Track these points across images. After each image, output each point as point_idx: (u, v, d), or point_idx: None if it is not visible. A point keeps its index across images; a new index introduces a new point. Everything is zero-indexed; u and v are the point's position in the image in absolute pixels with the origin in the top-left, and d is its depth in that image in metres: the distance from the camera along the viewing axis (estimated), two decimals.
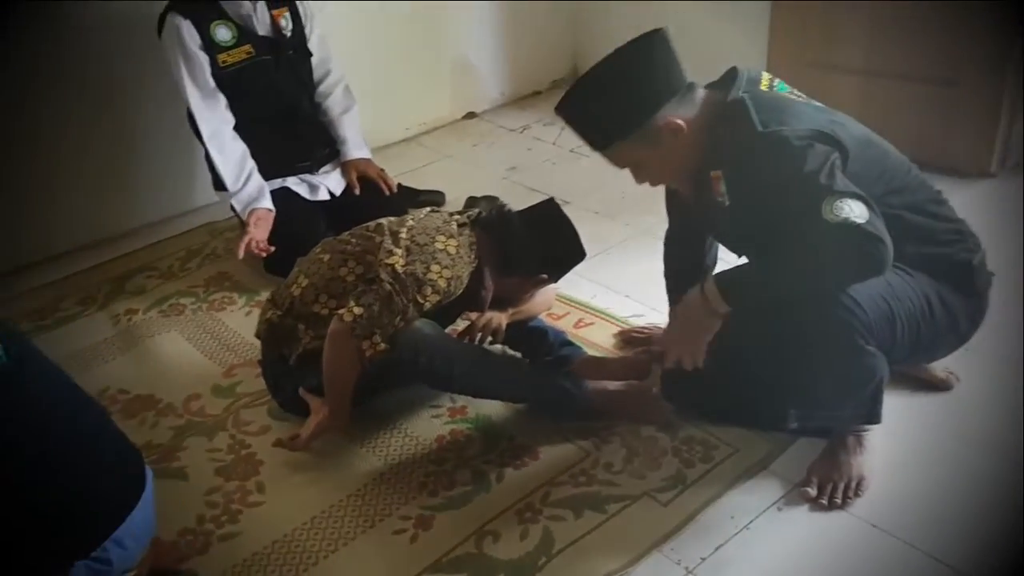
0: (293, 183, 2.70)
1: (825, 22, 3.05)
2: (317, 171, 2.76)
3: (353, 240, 1.95)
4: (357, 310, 1.77)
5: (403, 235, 1.89)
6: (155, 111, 2.87)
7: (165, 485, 1.88)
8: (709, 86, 1.73)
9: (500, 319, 2.01)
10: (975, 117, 2.84)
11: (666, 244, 2.14)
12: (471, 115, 3.86)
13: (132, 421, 2.09)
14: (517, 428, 1.98)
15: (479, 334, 1.98)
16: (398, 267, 1.81)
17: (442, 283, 1.84)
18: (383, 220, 2.00)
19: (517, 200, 2.93)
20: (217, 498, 1.85)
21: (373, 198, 2.74)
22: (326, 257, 1.95)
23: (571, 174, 3.24)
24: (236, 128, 2.60)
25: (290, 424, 2.02)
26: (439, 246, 1.88)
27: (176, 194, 3.05)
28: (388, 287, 1.79)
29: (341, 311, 1.79)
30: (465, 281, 1.91)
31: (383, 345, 1.78)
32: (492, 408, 2.02)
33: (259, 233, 2.51)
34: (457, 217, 2.02)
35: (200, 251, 2.86)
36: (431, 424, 2.02)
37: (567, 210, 2.84)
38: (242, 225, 2.62)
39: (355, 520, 1.77)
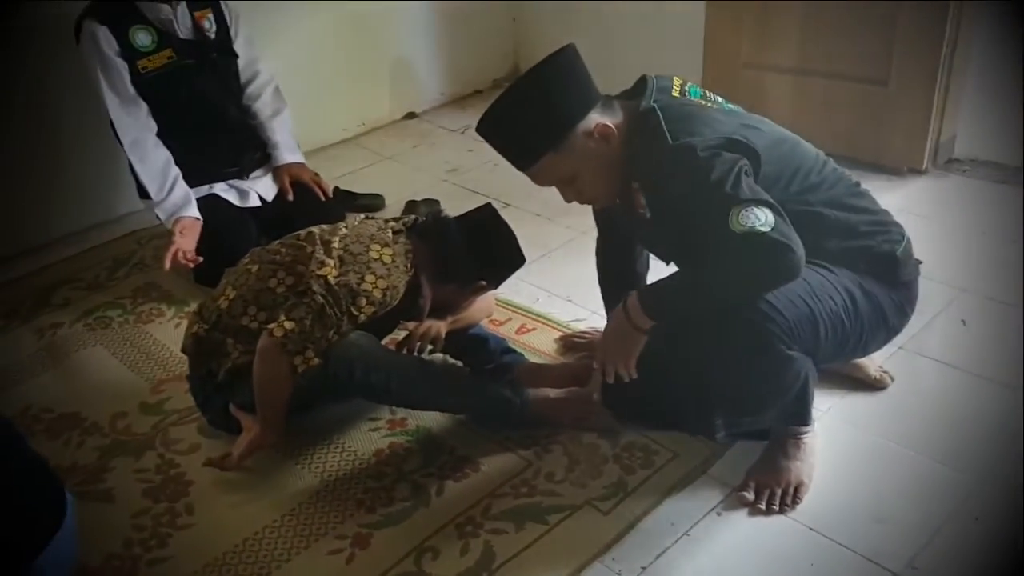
0: (221, 189, 2.62)
1: (759, 22, 3.07)
2: (247, 176, 2.69)
3: (283, 250, 1.90)
4: (288, 324, 1.72)
5: (335, 244, 1.84)
6: (77, 116, 2.77)
7: (90, 508, 1.82)
8: (620, 96, 1.72)
9: (439, 327, 1.97)
10: (906, 115, 2.89)
11: (597, 254, 2.13)
12: (411, 115, 3.80)
13: (56, 442, 2.01)
14: (458, 439, 1.94)
15: (417, 344, 1.93)
16: (331, 278, 1.76)
17: (377, 294, 1.79)
18: (314, 228, 1.94)
19: (458, 202, 2.92)
20: (145, 521, 1.78)
21: (307, 204, 2.68)
22: (254, 268, 1.88)
23: (512, 176, 3.11)
24: (160, 135, 2.52)
25: (221, 441, 1.96)
26: (373, 255, 1.83)
27: (101, 201, 2.95)
28: (320, 299, 1.74)
29: (271, 325, 1.73)
30: (401, 291, 1.87)
31: (316, 360, 1.73)
32: (433, 420, 1.99)
33: (185, 243, 2.43)
34: (392, 224, 1.97)
35: (127, 260, 2.77)
36: (369, 438, 1.97)
37: (508, 213, 2.81)
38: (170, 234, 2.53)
39: (289, 540, 1.72)
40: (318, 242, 1.85)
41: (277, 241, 1.96)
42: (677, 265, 1.83)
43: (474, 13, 3.87)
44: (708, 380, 1.65)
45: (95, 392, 2.17)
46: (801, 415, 1.74)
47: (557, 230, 2.82)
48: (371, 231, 1.89)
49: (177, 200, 2.49)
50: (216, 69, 2.60)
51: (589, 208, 1.91)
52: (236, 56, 2.67)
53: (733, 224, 1.45)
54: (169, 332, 2.39)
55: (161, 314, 2.48)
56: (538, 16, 3.95)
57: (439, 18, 3.78)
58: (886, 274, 1.72)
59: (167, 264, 2.38)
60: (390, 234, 1.90)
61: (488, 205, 2.03)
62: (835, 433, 1.87)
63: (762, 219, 1.45)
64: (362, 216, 2.00)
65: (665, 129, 1.56)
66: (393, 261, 1.84)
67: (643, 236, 1.82)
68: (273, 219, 2.66)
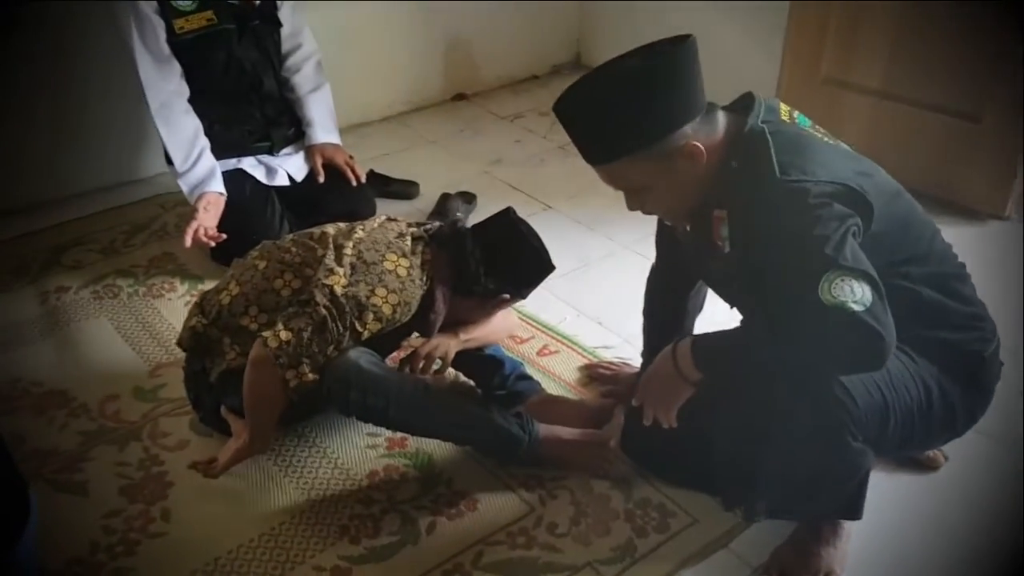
0: (249, 164, 2.48)
1: (845, 37, 2.83)
2: (278, 153, 2.54)
3: (293, 248, 1.75)
4: (284, 335, 1.58)
5: (348, 250, 1.69)
6: (110, 68, 2.64)
7: (61, 501, 1.72)
8: (725, 109, 1.50)
9: (448, 346, 1.82)
10: (995, 155, 2.63)
11: (650, 279, 1.93)
12: (461, 97, 3.63)
13: (40, 420, 1.91)
14: (458, 470, 1.80)
15: (422, 363, 1.78)
16: (338, 288, 1.61)
17: (387, 310, 1.64)
18: (330, 228, 1.79)
19: (496, 198, 2.75)
20: (116, 523, 1.67)
21: (337, 187, 2.53)
22: (261, 264, 1.74)
23: (558, 174, 3.03)
24: (190, 100, 2.38)
25: (212, 440, 1.84)
26: (388, 266, 1.68)
27: (128, 159, 2.84)
28: (323, 312, 1.59)
29: (266, 334, 1.59)
30: (414, 308, 1.71)
31: (311, 376, 1.59)
32: (435, 443, 1.84)
33: (208, 219, 2.30)
34: (413, 230, 1.81)
35: (147, 225, 2.65)
36: (365, 456, 1.83)
37: (547, 217, 2.65)
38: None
39: (263, 566, 1.59)
40: (331, 245, 1.70)
41: (290, 236, 1.82)
42: (741, 312, 1.64)
43: None
44: (758, 458, 1.47)
45: (90, 369, 2.06)
46: (852, 509, 1.55)
47: (597, 241, 2.64)
48: (389, 237, 1.74)
49: (202, 173, 2.35)
50: (257, 36, 2.45)
51: (636, 220, 1.73)
52: (280, 24, 2.52)
53: (823, 292, 1.26)
54: (178, 310, 2.27)
55: (172, 289, 2.37)
56: (604, 3, 3.72)
57: None
58: (968, 376, 1.52)
59: (188, 240, 2.26)
60: (409, 243, 1.75)
61: (508, 210, 1.85)
62: (877, 516, 1.67)
63: (858, 295, 1.26)
64: (383, 217, 1.85)
65: (774, 159, 1.36)
66: (409, 274, 1.69)
67: (711, 271, 1.60)
68: (300, 201, 2.52)
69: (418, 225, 1.85)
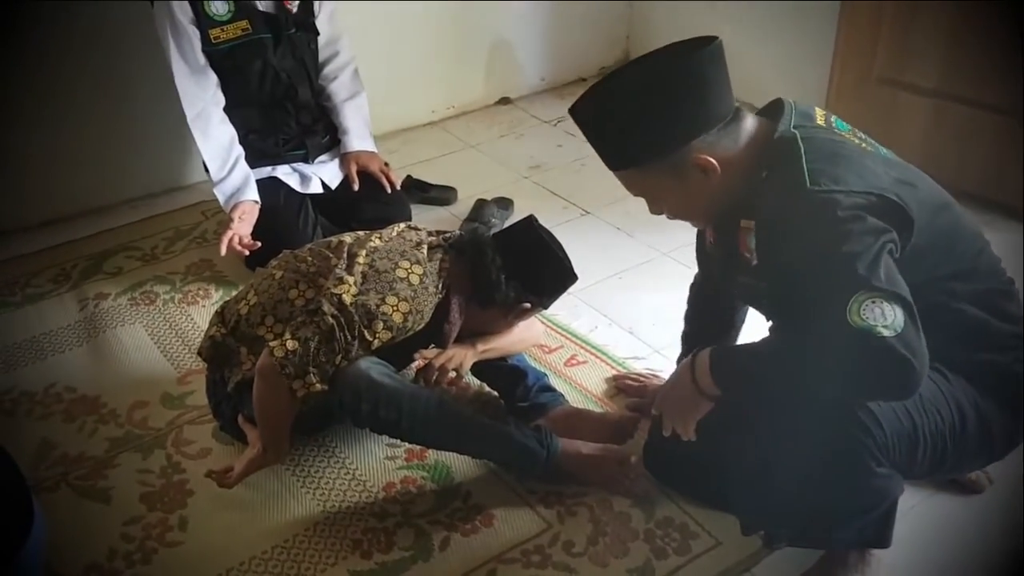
0: (283, 172, 2.48)
1: (899, 35, 2.71)
2: (313, 160, 2.55)
3: (309, 258, 1.74)
4: (290, 344, 1.56)
5: (361, 259, 1.67)
6: (154, 78, 2.68)
7: (85, 508, 1.75)
8: (757, 114, 1.43)
9: (463, 356, 1.78)
10: None
11: (691, 291, 1.87)
12: (505, 100, 3.59)
13: (71, 426, 1.94)
14: (476, 484, 1.76)
15: (435, 375, 1.75)
16: (347, 297, 1.60)
17: (397, 318, 1.62)
18: (347, 236, 1.78)
19: (534, 203, 2.71)
20: (135, 531, 1.68)
21: (372, 194, 2.52)
22: (278, 275, 1.74)
23: (598, 179, 2.91)
24: (225, 109, 2.40)
25: (233, 449, 1.85)
26: (401, 274, 1.65)
27: (172, 167, 2.88)
28: (331, 321, 1.57)
29: (273, 343, 1.58)
30: (427, 316, 1.69)
31: (319, 386, 1.57)
32: (454, 456, 1.81)
33: (243, 228, 2.32)
34: (432, 239, 1.79)
35: (189, 232, 2.69)
36: (383, 467, 1.81)
37: (585, 222, 2.60)
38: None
39: None
40: (344, 254, 1.69)
41: (308, 245, 1.81)
42: (775, 323, 1.57)
43: None
44: (777, 482, 1.40)
45: (122, 375, 2.09)
46: (880, 538, 1.46)
47: (636, 248, 2.57)
48: (404, 246, 1.71)
49: (236, 182, 2.37)
50: (293, 45, 2.45)
51: (677, 225, 1.67)
52: (317, 33, 2.52)
53: (852, 314, 1.19)
54: (210, 317, 2.28)
55: (208, 295, 2.39)
56: (654, 4, 3.64)
57: None
58: (1008, 398, 1.42)
59: (223, 249, 2.28)
60: (425, 251, 1.72)
61: (530, 218, 1.82)
62: (915, 541, 1.58)
63: (889, 319, 1.18)
64: (403, 226, 1.82)
65: (805, 167, 1.29)
66: (421, 282, 1.66)
67: (740, 285, 1.52)
68: (335, 208, 2.53)
69: (438, 233, 1.82)
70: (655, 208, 1.48)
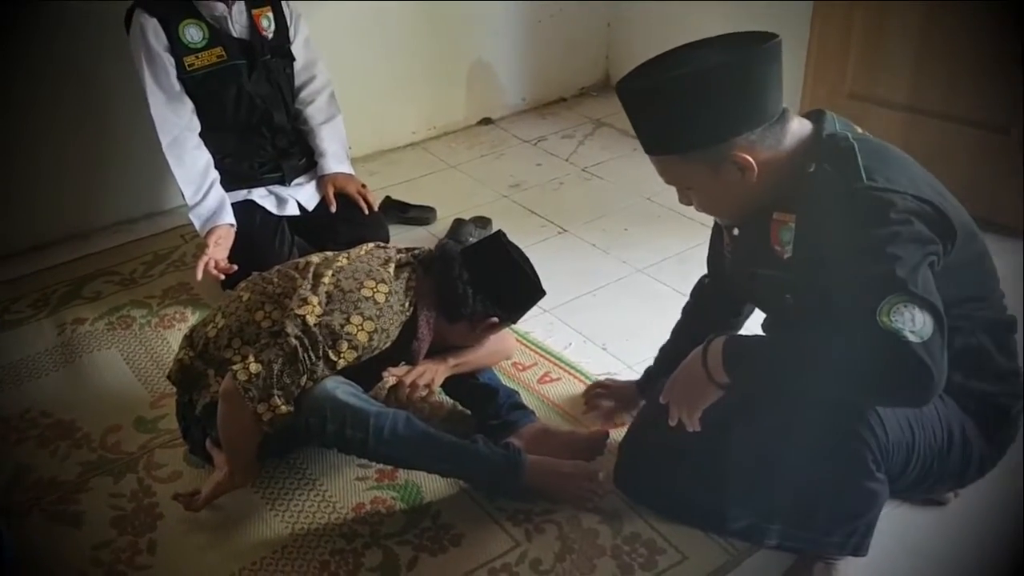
0: (259, 195, 2.50)
1: (869, 50, 2.73)
2: (290, 183, 2.57)
3: (276, 279, 1.76)
4: (253, 367, 1.57)
5: (326, 279, 1.68)
6: (134, 104, 2.71)
7: (56, 533, 1.75)
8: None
9: (435, 372, 1.79)
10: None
11: (696, 289, 1.86)
12: (486, 121, 3.62)
13: (44, 451, 1.95)
14: (446, 504, 1.77)
15: (406, 391, 1.76)
16: (310, 318, 1.61)
17: (362, 337, 1.63)
18: (314, 257, 1.79)
19: (513, 222, 2.73)
20: (105, 555, 1.68)
21: (349, 216, 2.54)
22: (245, 296, 1.75)
23: (576, 197, 2.99)
24: (202, 134, 2.42)
25: (204, 473, 1.85)
26: (366, 293, 1.67)
27: (152, 192, 2.91)
28: (294, 342, 1.59)
29: (235, 367, 1.59)
30: (394, 335, 1.70)
31: (284, 408, 1.58)
32: (425, 475, 1.81)
33: (218, 252, 2.33)
34: (400, 256, 1.80)
35: (167, 256, 2.71)
36: (353, 488, 1.82)
37: (562, 240, 2.62)
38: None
39: None
40: (310, 275, 1.70)
41: (276, 267, 1.83)
42: (778, 324, 1.58)
43: (567, 15, 3.64)
44: (775, 480, 1.41)
45: (96, 400, 2.10)
46: (860, 545, 1.47)
47: (611, 266, 2.59)
48: (371, 265, 1.73)
49: (212, 205, 2.39)
50: (268, 71, 2.48)
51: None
52: (292, 59, 2.55)
53: (882, 314, 1.19)
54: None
55: (184, 319, 2.41)
56: (634, 22, 3.69)
57: (528, 18, 3.57)
58: (990, 428, 1.45)
59: (199, 274, 2.29)
60: (392, 269, 1.73)
61: (498, 233, 1.83)
62: (879, 553, 1.58)
63: (918, 326, 1.18)
64: (371, 245, 1.84)
65: (860, 163, 1.29)
66: (387, 301, 1.67)
67: (758, 278, 1.49)
68: (312, 229, 2.54)
69: (408, 250, 1.84)
70: (685, 198, 1.46)
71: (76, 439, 1.98)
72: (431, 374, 1.79)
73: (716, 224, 1.68)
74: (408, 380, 1.76)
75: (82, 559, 1.68)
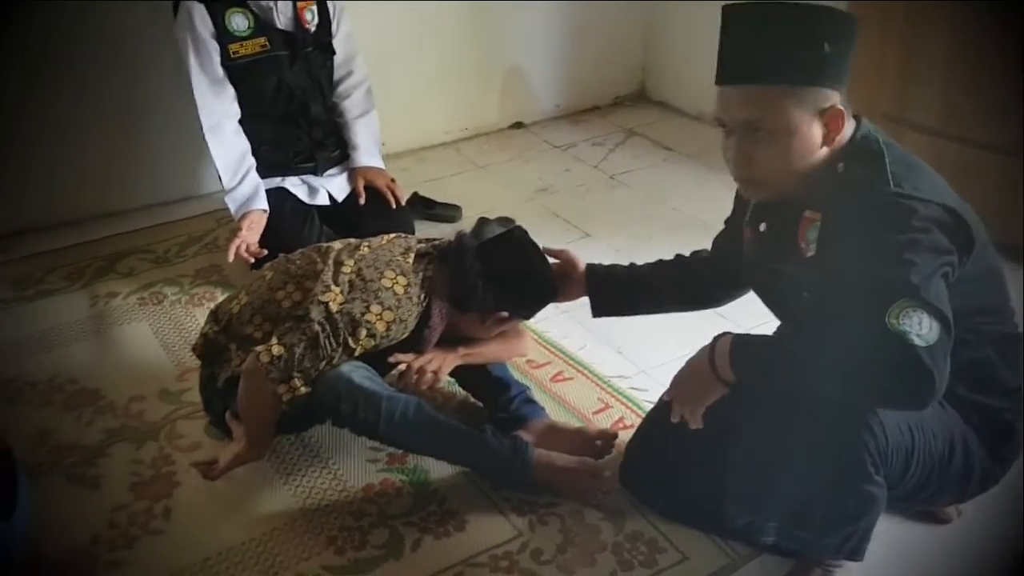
0: (291, 184, 2.57)
1: (902, 74, 2.74)
2: (322, 173, 2.63)
3: (298, 261, 1.81)
4: (276, 349, 1.62)
5: (347, 267, 1.73)
6: (175, 90, 2.79)
7: (74, 494, 1.81)
8: None
9: (442, 360, 1.82)
10: None
11: (692, 261, 1.82)
12: (519, 125, 3.67)
13: (69, 415, 2.02)
14: (453, 490, 1.80)
15: (414, 378, 1.80)
16: (333, 305, 1.65)
17: (380, 326, 1.67)
18: (337, 243, 1.84)
19: (537, 225, 2.72)
20: (120, 517, 1.74)
21: (377, 209, 2.59)
22: (268, 275, 1.81)
23: (602, 203, 3.03)
24: (241, 121, 2.49)
25: (223, 444, 1.89)
26: (386, 283, 1.71)
27: (190, 175, 2.99)
28: (316, 328, 1.63)
29: (259, 348, 1.64)
30: (411, 326, 1.74)
31: (303, 389, 1.63)
32: (435, 461, 1.85)
33: (250, 236, 2.40)
34: (420, 246, 1.84)
35: (201, 238, 2.78)
36: (365, 468, 1.86)
37: (586, 244, 2.65)
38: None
39: (248, 570, 1.63)
40: (331, 262, 1.75)
41: (300, 250, 1.88)
42: (786, 321, 1.60)
43: (606, 24, 3.68)
44: (773, 478, 1.43)
45: (123, 370, 2.17)
46: (857, 550, 1.48)
47: None
48: (391, 255, 1.77)
49: (246, 191, 2.46)
50: (309, 63, 2.55)
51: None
52: (333, 52, 2.62)
53: (891, 316, 1.21)
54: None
55: (213, 298, 2.47)
56: (671, 35, 3.72)
57: (567, 26, 3.62)
58: (993, 442, 1.46)
59: (231, 256, 2.36)
60: (412, 260, 1.77)
61: (517, 228, 1.85)
62: (880, 568, 1.59)
63: (924, 331, 1.20)
64: (393, 235, 1.88)
65: (888, 168, 1.31)
66: (406, 292, 1.71)
67: (778, 275, 1.49)
68: (340, 219, 2.60)
69: (427, 241, 1.88)
70: (748, 145, 1.37)
71: (100, 406, 2.05)
72: (439, 362, 1.82)
73: (732, 216, 1.70)
74: (416, 366, 1.79)
75: (98, 520, 1.73)
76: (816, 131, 1.35)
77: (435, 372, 1.80)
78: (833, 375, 1.28)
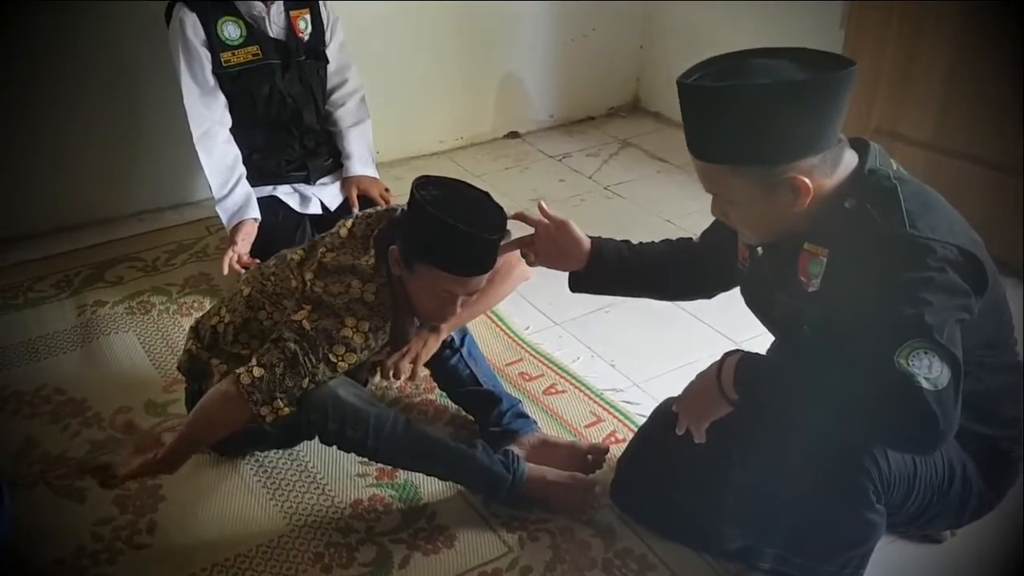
0: (283, 192, 2.55)
1: (896, 88, 2.74)
2: (315, 182, 2.61)
3: (272, 278, 1.76)
4: (257, 371, 1.59)
5: (315, 283, 1.66)
6: (167, 97, 2.77)
7: (59, 506, 1.79)
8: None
9: (419, 348, 1.82)
10: None
11: (683, 245, 1.76)
12: (514, 135, 3.66)
13: (55, 427, 1.99)
14: (442, 505, 1.78)
15: (389, 372, 1.79)
16: (306, 323, 1.62)
17: (359, 339, 1.63)
18: (297, 252, 1.77)
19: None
20: (105, 531, 1.72)
21: None
22: (246, 291, 1.78)
23: (596, 214, 3.01)
24: (232, 129, 2.47)
25: (207, 458, 1.88)
26: (354, 295, 1.64)
27: (181, 183, 2.97)
28: (293, 347, 1.60)
29: (240, 370, 1.60)
30: (388, 330, 1.70)
31: (287, 410, 1.60)
32: (423, 477, 1.83)
33: (243, 248, 2.37)
34: (377, 230, 1.72)
35: (191, 246, 2.76)
36: (353, 484, 1.84)
37: None
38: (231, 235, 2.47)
39: None
40: (300, 275, 1.71)
41: (273, 261, 1.83)
42: (786, 342, 1.58)
43: (601, 35, 3.68)
44: (774, 503, 1.42)
45: (109, 381, 2.14)
46: None
47: None
48: (353, 258, 1.67)
49: (238, 200, 2.43)
50: (302, 71, 2.53)
51: None
52: (327, 61, 2.60)
53: (900, 355, 1.19)
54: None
55: (201, 307, 2.45)
56: (667, 46, 3.72)
57: (562, 36, 3.61)
58: (989, 470, 1.46)
59: (225, 269, 2.32)
60: (373, 258, 1.67)
61: (417, 182, 1.67)
62: None
63: (933, 374, 1.18)
64: (349, 223, 1.76)
65: (904, 207, 1.27)
66: (377, 298, 1.66)
67: (775, 304, 1.47)
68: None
69: (387, 212, 1.78)
70: (720, 209, 1.39)
71: (87, 417, 2.02)
72: (415, 350, 1.80)
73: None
74: (389, 364, 1.77)
75: (82, 533, 1.71)
76: (780, 197, 1.30)
77: (412, 363, 1.79)
78: (836, 412, 1.27)
